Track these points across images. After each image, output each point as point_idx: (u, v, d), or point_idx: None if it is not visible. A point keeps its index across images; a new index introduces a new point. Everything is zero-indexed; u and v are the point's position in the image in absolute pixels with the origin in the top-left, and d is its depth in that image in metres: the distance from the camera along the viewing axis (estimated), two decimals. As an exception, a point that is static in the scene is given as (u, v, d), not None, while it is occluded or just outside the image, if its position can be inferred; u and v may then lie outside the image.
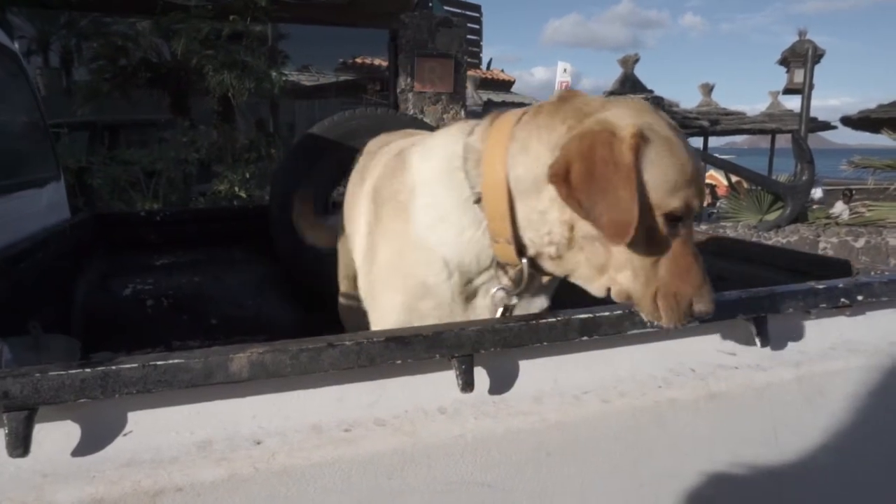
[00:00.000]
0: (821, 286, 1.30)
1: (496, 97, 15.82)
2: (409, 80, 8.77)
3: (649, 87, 14.19)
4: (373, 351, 0.95)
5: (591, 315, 1.10)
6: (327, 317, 2.41)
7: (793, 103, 14.79)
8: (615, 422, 1.08)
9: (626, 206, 1.03)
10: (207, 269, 2.90)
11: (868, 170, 7.87)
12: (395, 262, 1.34)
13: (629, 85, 13.89)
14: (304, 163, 2.72)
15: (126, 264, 2.79)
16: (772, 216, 6.38)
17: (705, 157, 7.90)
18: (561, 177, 1.07)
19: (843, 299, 1.30)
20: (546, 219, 1.17)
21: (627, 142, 1.05)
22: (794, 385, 1.21)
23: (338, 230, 2.31)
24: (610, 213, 1.04)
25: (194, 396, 0.91)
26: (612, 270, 1.13)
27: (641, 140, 1.07)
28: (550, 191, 1.12)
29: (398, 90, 8.91)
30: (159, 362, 0.85)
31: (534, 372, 1.10)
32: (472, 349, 1.00)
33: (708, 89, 16.38)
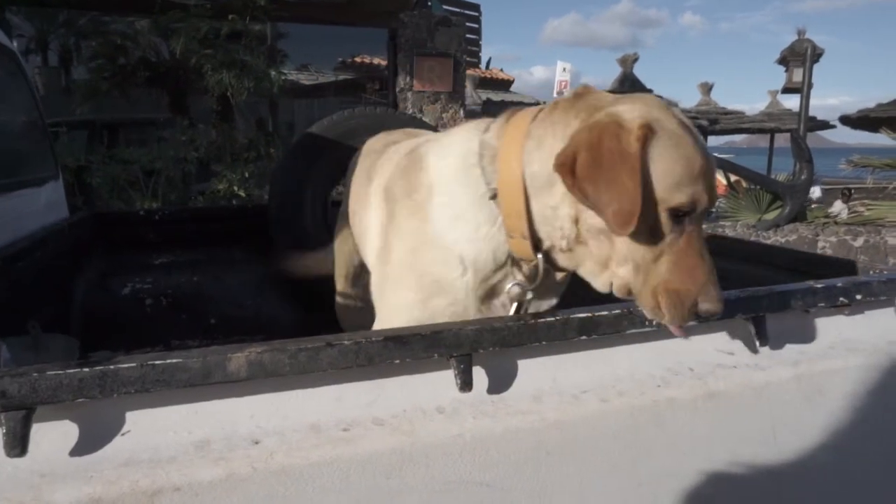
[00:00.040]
0: (819, 285, 1.30)
1: (495, 96, 15.81)
2: (408, 79, 8.77)
3: (649, 86, 14.21)
4: (371, 350, 0.95)
5: (589, 314, 1.10)
6: (326, 316, 2.41)
7: (792, 102, 14.81)
8: (614, 421, 1.08)
9: (631, 196, 1.04)
10: (206, 269, 2.89)
11: (867, 169, 7.87)
12: (409, 261, 1.34)
13: (628, 84, 13.89)
14: (303, 162, 2.71)
15: (125, 263, 2.79)
16: (771, 215, 6.38)
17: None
18: (567, 166, 1.08)
19: (841, 298, 1.30)
20: (558, 214, 1.18)
21: (635, 133, 1.06)
22: (793, 384, 1.21)
23: (335, 230, 2.32)
24: (615, 203, 1.04)
25: (192, 396, 0.91)
26: (614, 264, 1.14)
27: (649, 132, 1.07)
28: (562, 186, 1.13)
29: (397, 89, 8.91)
30: (157, 362, 0.85)
31: (532, 371, 1.10)
32: (471, 349, 1.00)
33: (707, 88, 16.39)
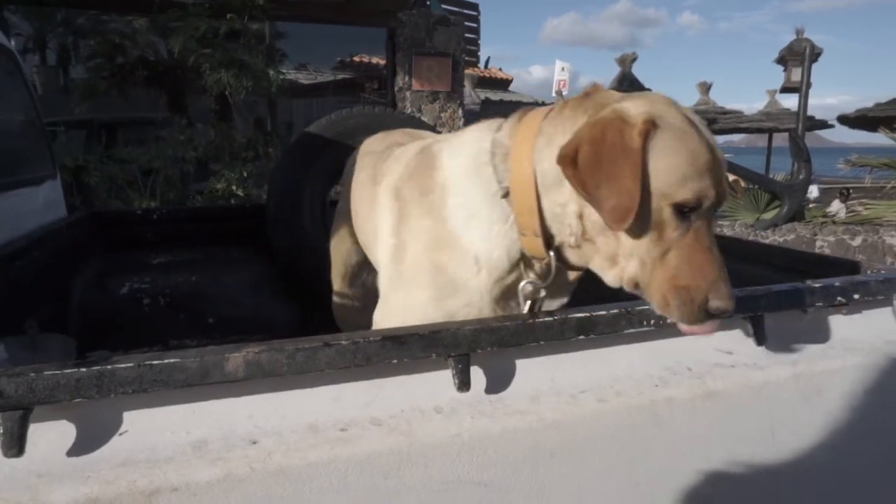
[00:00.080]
0: (817, 285, 1.30)
1: (494, 96, 15.81)
2: (406, 78, 8.76)
3: (647, 85, 14.21)
4: (369, 350, 0.95)
5: (587, 314, 1.10)
6: (324, 316, 2.41)
7: (790, 102, 14.82)
8: (612, 421, 1.08)
9: (630, 192, 1.04)
10: (204, 268, 2.89)
11: (865, 168, 7.89)
12: (424, 260, 1.34)
13: (627, 84, 13.89)
14: (301, 161, 2.71)
15: (123, 263, 2.79)
16: (769, 215, 6.39)
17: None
18: (569, 158, 1.09)
19: (839, 298, 1.30)
20: (566, 211, 1.19)
21: (637, 128, 1.06)
22: (791, 383, 1.21)
23: (332, 230, 2.31)
24: (613, 198, 1.05)
25: (190, 396, 0.91)
26: (622, 259, 1.14)
27: (652, 127, 1.07)
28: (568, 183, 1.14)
29: (396, 88, 8.90)
30: (155, 362, 0.85)
31: (531, 371, 1.10)
32: (469, 348, 1.00)
33: (705, 88, 16.40)
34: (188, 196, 7.97)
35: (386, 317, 1.45)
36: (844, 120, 14.72)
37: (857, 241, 5.70)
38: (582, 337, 1.09)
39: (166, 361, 0.85)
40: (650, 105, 1.12)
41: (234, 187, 7.60)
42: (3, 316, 1.71)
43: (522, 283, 1.31)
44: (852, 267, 1.55)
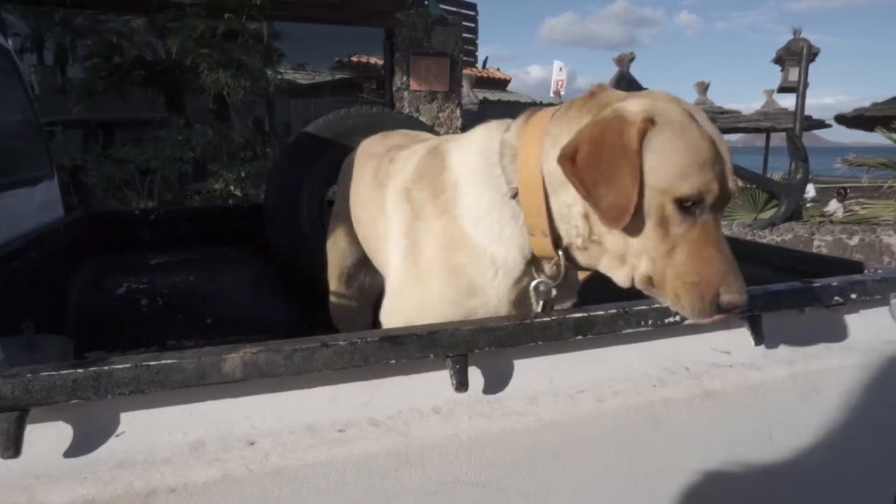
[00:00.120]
0: (815, 284, 1.30)
1: (492, 96, 15.81)
2: (404, 78, 8.75)
3: (645, 85, 14.20)
4: (367, 351, 0.95)
5: (585, 314, 1.10)
6: (322, 316, 2.40)
7: (787, 101, 14.83)
8: (610, 421, 1.08)
9: (627, 191, 1.05)
10: (202, 269, 2.88)
11: (862, 168, 7.90)
12: (440, 259, 1.35)
13: (625, 84, 13.89)
14: (299, 162, 2.71)
15: (120, 263, 2.78)
16: (766, 214, 6.40)
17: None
18: (568, 158, 1.10)
19: (836, 298, 1.30)
20: (572, 212, 1.21)
21: (636, 126, 1.07)
22: (789, 383, 1.21)
23: (329, 230, 2.31)
24: (610, 196, 1.06)
25: (187, 397, 0.90)
26: (630, 258, 1.14)
27: (650, 125, 1.08)
28: None
29: (394, 88, 8.89)
30: (152, 362, 0.85)
31: (528, 371, 1.10)
32: (467, 349, 1.00)
33: (703, 88, 16.40)
34: (186, 196, 7.95)
35: (399, 312, 1.43)
36: (842, 119, 14.74)
37: (855, 241, 5.71)
38: (580, 337, 1.09)
39: (163, 362, 0.85)
40: (650, 103, 1.13)
41: (231, 187, 7.59)
42: (0, 317, 1.70)
43: (535, 283, 1.32)
44: (854, 267, 1.55)
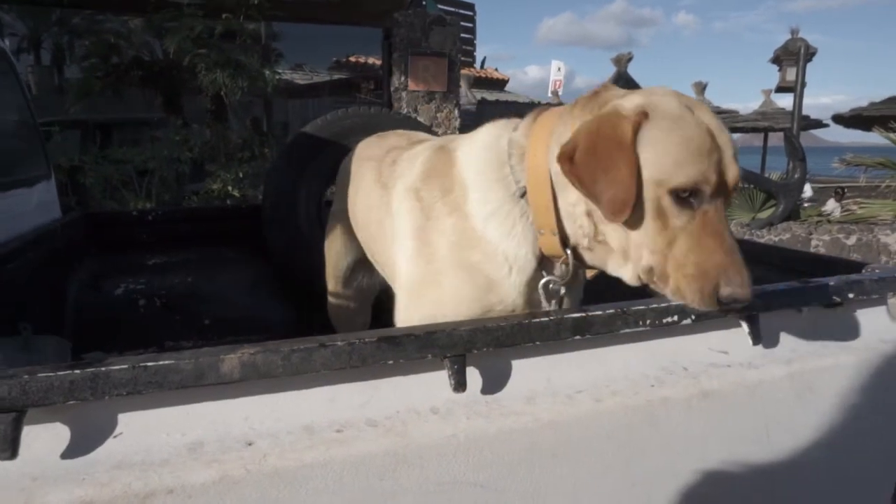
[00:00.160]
0: (812, 284, 1.30)
1: (490, 96, 15.81)
2: (402, 78, 8.75)
3: (643, 85, 14.18)
4: (365, 351, 0.95)
5: (583, 314, 1.10)
6: (320, 316, 2.40)
7: (785, 101, 14.83)
8: (608, 421, 1.08)
9: (625, 184, 1.06)
10: (200, 269, 2.88)
11: (860, 167, 7.91)
12: (455, 258, 1.35)
13: (622, 84, 13.86)
14: (297, 162, 2.71)
15: (118, 264, 2.78)
16: (764, 214, 6.40)
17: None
18: (567, 156, 1.11)
19: (834, 297, 1.30)
20: (577, 211, 1.22)
21: (630, 120, 1.09)
22: (786, 382, 1.22)
23: (326, 231, 2.31)
24: (610, 191, 1.07)
25: (185, 398, 0.90)
26: (633, 253, 1.15)
27: (644, 118, 1.09)
28: None
29: (392, 89, 8.88)
30: (149, 363, 0.84)
31: (526, 371, 1.10)
32: (465, 349, 1.00)
33: (701, 88, 16.41)
34: (184, 197, 7.94)
35: (417, 312, 1.43)
36: (839, 119, 14.77)
37: (853, 240, 5.72)
38: (578, 337, 1.09)
39: (161, 363, 0.85)
40: (647, 98, 1.14)
41: (229, 188, 7.58)
42: (-3, 317, 1.70)
43: (543, 281, 1.33)
44: (852, 267, 1.55)
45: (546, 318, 1.08)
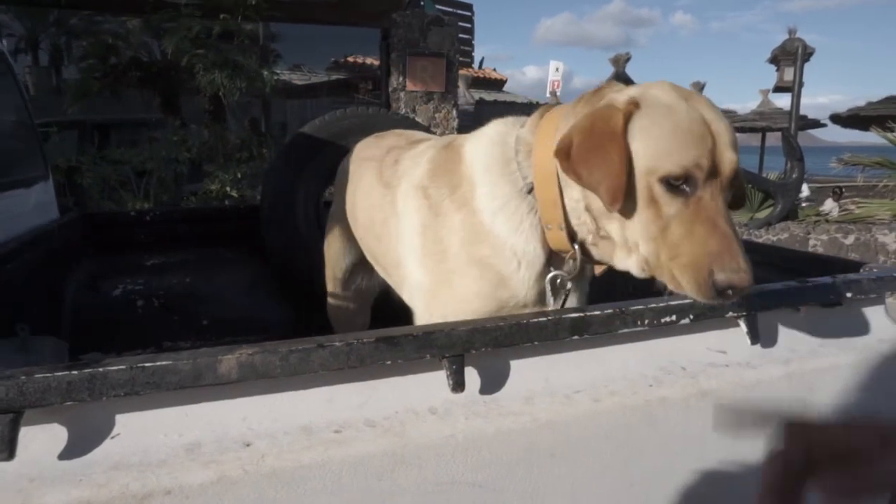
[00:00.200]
0: (810, 284, 1.30)
1: (488, 96, 15.82)
2: (400, 78, 8.75)
3: (641, 85, 14.16)
4: (363, 352, 0.94)
5: (581, 314, 1.10)
6: (319, 316, 2.40)
7: (783, 101, 14.85)
8: (606, 421, 1.08)
9: (616, 171, 1.07)
10: (198, 270, 2.88)
11: (857, 167, 7.93)
12: (465, 255, 1.36)
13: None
14: (295, 162, 2.70)
15: (116, 265, 2.77)
16: (762, 214, 6.42)
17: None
18: (564, 151, 1.13)
19: (832, 297, 1.30)
20: (579, 206, 1.24)
21: (621, 111, 1.10)
22: (784, 382, 1.22)
23: (326, 232, 2.31)
24: (606, 180, 1.08)
25: (183, 398, 0.90)
26: (632, 243, 1.16)
27: (634, 108, 1.11)
28: None
29: (390, 89, 8.89)
30: (147, 364, 0.84)
31: (525, 371, 1.10)
32: (463, 349, 1.00)
33: (699, 88, 16.39)
34: (182, 197, 7.94)
35: (437, 312, 1.43)
36: (837, 119, 14.80)
37: (850, 240, 5.73)
38: (576, 337, 1.09)
39: (159, 364, 0.85)
40: (641, 90, 1.16)
41: (227, 188, 7.58)
42: (-6, 318, 1.70)
43: (550, 275, 1.33)
44: (851, 267, 1.55)
45: (544, 319, 1.08)
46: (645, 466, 1.11)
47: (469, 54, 12.89)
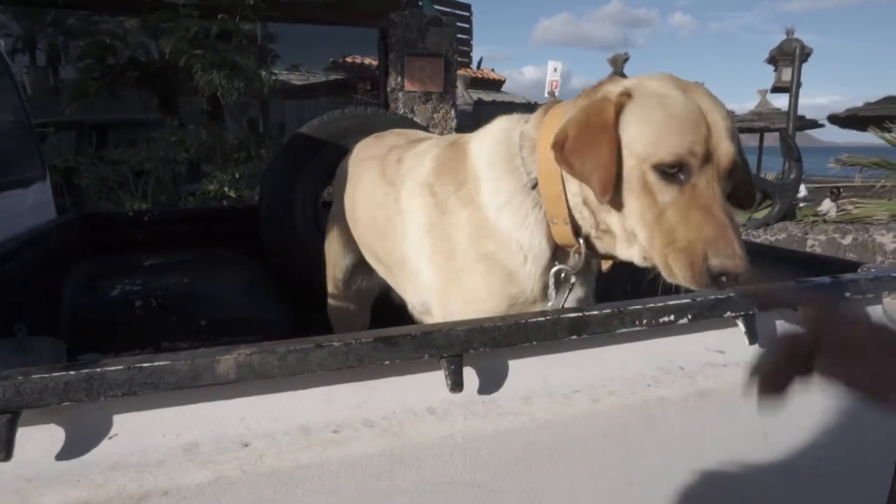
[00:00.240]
0: (807, 283, 1.30)
1: (486, 96, 15.82)
2: (399, 79, 8.75)
3: (639, 86, 14.17)
4: (361, 351, 0.94)
5: (580, 314, 1.09)
6: (317, 316, 2.40)
7: (781, 101, 14.87)
8: (604, 421, 1.08)
9: (606, 161, 1.09)
10: (196, 270, 2.87)
11: (855, 167, 7.94)
12: (473, 251, 1.36)
13: (619, 84, 13.86)
14: (293, 163, 2.70)
15: (114, 265, 2.77)
16: (760, 214, 6.42)
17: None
18: (558, 143, 1.14)
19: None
20: (578, 200, 1.25)
21: (612, 102, 1.12)
22: (783, 382, 1.22)
23: (326, 233, 2.30)
24: (598, 171, 1.10)
25: (181, 398, 0.90)
26: (630, 233, 1.17)
27: (627, 99, 1.12)
28: None
29: (388, 89, 8.89)
30: (145, 364, 0.84)
31: (523, 371, 1.10)
32: (462, 349, 1.00)
33: (697, 88, 16.41)
34: (180, 197, 7.93)
35: (450, 308, 1.43)
36: (834, 119, 14.82)
37: (848, 240, 5.74)
38: (574, 337, 1.09)
39: (156, 364, 0.84)
40: (635, 81, 1.17)
41: (226, 189, 7.57)
42: (-9, 319, 1.69)
43: (554, 269, 1.34)
44: (849, 267, 1.55)
45: (542, 318, 1.08)
46: (643, 466, 1.11)
47: (467, 54, 12.90)
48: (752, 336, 1.22)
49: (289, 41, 11.94)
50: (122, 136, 10.76)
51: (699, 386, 1.15)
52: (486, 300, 1.34)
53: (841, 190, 9.98)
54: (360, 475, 0.91)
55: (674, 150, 1.07)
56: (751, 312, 1.22)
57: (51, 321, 2.23)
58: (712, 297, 1.18)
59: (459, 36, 9.99)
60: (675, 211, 1.08)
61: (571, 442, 1.05)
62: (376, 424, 0.96)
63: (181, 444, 0.88)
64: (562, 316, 1.08)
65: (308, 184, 2.71)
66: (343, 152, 2.23)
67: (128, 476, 0.82)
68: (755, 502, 1.23)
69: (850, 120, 14.23)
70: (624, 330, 1.13)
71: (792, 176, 6.13)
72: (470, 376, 1.04)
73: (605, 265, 1.41)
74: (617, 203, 1.14)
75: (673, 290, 1.15)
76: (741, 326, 1.23)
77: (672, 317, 1.15)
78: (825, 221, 6.52)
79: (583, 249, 1.29)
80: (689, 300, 1.14)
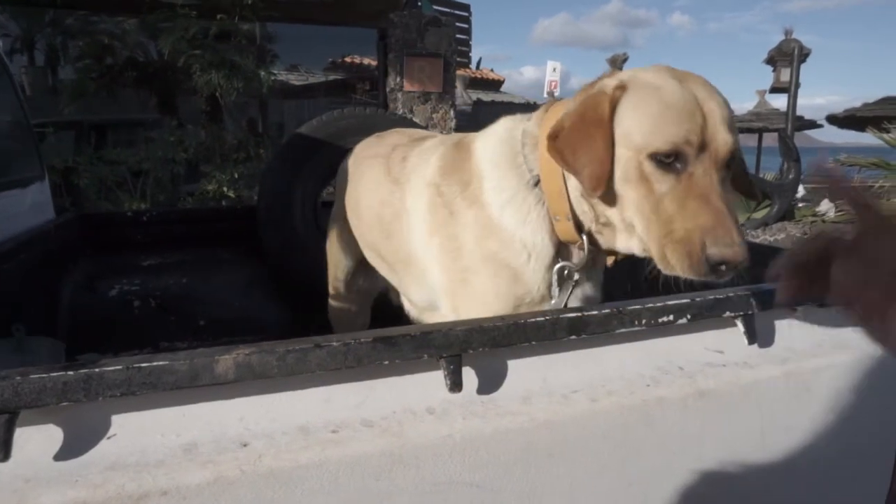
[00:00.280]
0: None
1: (485, 96, 15.83)
2: (398, 79, 8.76)
3: (638, 86, 14.18)
4: (360, 351, 0.94)
5: (579, 314, 1.09)
6: (316, 317, 2.40)
7: (779, 102, 14.87)
8: (604, 421, 1.08)
9: (600, 156, 1.09)
10: (195, 270, 2.87)
11: (854, 168, 7.95)
12: (479, 251, 1.36)
13: (618, 84, 13.87)
14: (292, 163, 2.70)
15: (112, 265, 2.77)
16: (759, 214, 6.42)
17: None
18: (554, 136, 1.15)
19: (829, 297, 1.30)
20: (577, 195, 1.25)
21: (608, 95, 1.12)
22: (782, 382, 1.22)
23: (327, 233, 2.30)
24: (589, 166, 1.10)
25: (180, 399, 0.90)
26: (629, 224, 1.17)
27: (622, 91, 1.12)
28: None
29: (387, 89, 8.90)
30: (143, 364, 0.84)
31: (522, 371, 1.09)
32: (461, 349, 1.00)
33: (696, 88, 16.42)
34: (179, 198, 7.93)
35: (460, 308, 1.43)
36: (833, 120, 14.82)
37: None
38: (573, 337, 1.09)
39: (155, 364, 0.84)
40: (632, 73, 1.18)
41: (224, 189, 7.57)
42: (-10, 319, 1.69)
43: (558, 266, 1.34)
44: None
45: (542, 318, 1.07)
46: (642, 466, 1.11)
47: (466, 54, 12.90)
48: (752, 336, 1.23)
49: (288, 41, 11.94)
50: (121, 136, 10.74)
51: (698, 386, 1.15)
52: (494, 302, 1.35)
53: (840, 190, 9.97)
54: (360, 475, 0.91)
55: (669, 138, 1.07)
56: (749, 313, 1.23)
57: (49, 321, 2.23)
58: (711, 296, 1.18)
59: (458, 36, 9.99)
60: (672, 200, 1.08)
61: (571, 442, 1.05)
62: (375, 424, 0.96)
63: (180, 444, 0.88)
64: (561, 316, 1.08)
65: (307, 184, 2.71)
66: (342, 152, 2.23)
67: (126, 476, 0.82)
68: (755, 502, 1.23)
69: (848, 120, 14.24)
70: (623, 330, 1.13)
71: (790, 176, 6.14)
72: (469, 376, 1.04)
73: (610, 260, 1.41)
74: (615, 194, 1.15)
75: (674, 286, 1.15)
76: (740, 326, 1.23)
77: (671, 317, 1.15)
78: (824, 222, 6.52)
79: (586, 245, 1.30)
80: (688, 300, 1.14)
